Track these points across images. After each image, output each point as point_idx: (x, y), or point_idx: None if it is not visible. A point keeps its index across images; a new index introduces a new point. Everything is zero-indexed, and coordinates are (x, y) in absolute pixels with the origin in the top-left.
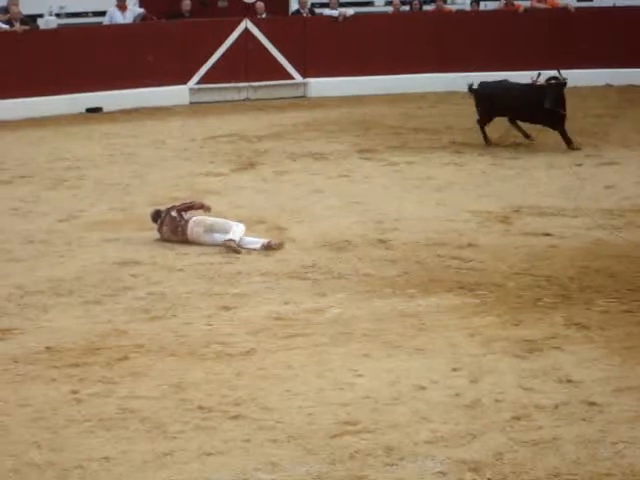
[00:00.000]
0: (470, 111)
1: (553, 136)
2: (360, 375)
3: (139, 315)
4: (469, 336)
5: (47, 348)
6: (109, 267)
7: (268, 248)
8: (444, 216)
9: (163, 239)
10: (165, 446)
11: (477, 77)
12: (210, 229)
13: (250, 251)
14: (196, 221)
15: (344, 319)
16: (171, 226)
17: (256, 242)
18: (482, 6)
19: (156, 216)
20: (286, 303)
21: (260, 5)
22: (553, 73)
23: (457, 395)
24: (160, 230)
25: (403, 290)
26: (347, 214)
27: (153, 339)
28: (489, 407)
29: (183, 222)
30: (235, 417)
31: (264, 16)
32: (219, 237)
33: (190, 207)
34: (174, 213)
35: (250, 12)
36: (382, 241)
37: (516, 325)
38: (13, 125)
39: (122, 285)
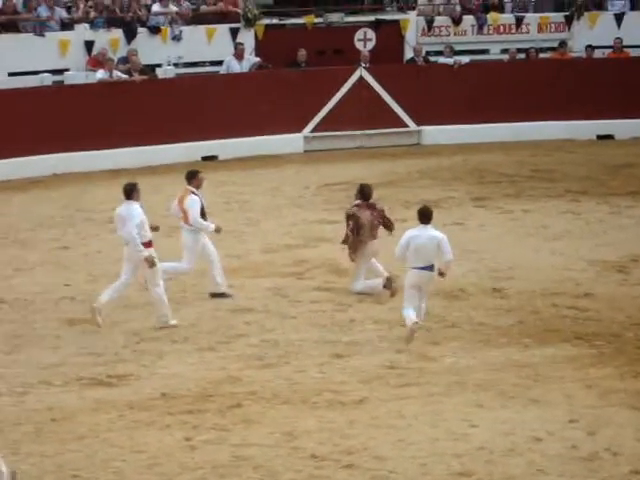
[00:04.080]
0: (586, 159)
1: None
2: (474, 425)
3: (252, 362)
4: (586, 387)
5: (162, 394)
6: (223, 314)
7: (390, 283)
8: (560, 265)
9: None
10: None
11: (594, 125)
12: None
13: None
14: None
15: (458, 368)
16: (374, 220)
17: (377, 283)
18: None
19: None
20: (399, 352)
21: (365, 54)
22: None
23: (574, 447)
24: (360, 210)
25: (518, 340)
26: (461, 262)
27: (266, 386)
28: (607, 460)
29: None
30: (348, 466)
31: (367, 65)
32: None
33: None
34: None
35: (372, 60)
36: (497, 290)
37: (635, 377)
38: (130, 173)
39: (235, 332)
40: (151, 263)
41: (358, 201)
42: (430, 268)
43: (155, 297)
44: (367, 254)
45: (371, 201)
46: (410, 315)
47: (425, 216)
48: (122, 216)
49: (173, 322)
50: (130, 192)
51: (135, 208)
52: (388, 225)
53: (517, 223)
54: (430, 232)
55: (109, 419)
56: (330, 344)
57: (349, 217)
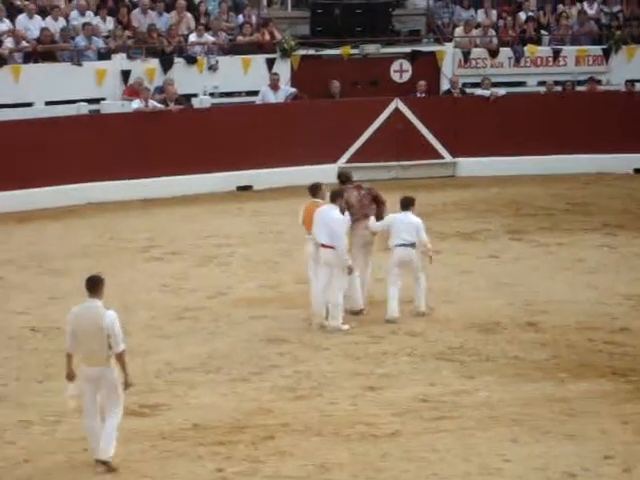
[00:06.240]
0: (623, 193)
1: None
2: (508, 460)
3: (285, 394)
4: (622, 423)
5: (194, 425)
6: (256, 344)
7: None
8: (596, 299)
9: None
10: None
11: (631, 159)
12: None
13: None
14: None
15: (492, 402)
16: (360, 198)
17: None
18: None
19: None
20: (432, 385)
21: (422, 83)
22: None
23: None
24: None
25: (553, 374)
26: (496, 295)
27: (298, 418)
28: None
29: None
30: None
31: (423, 95)
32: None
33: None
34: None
35: (405, 91)
36: (531, 324)
37: None
38: (165, 202)
39: (269, 363)
40: (350, 271)
41: (343, 186)
42: (411, 245)
43: (334, 301)
44: (360, 234)
45: (356, 183)
46: (392, 303)
47: (404, 204)
48: (325, 219)
49: (345, 327)
50: (334, 197)
51: (337, 212)
52: (380, 200)
53: (552, 256)
54: (410, 217)
55: (141, 449)
56: (363, 376)
57: (337, 196)
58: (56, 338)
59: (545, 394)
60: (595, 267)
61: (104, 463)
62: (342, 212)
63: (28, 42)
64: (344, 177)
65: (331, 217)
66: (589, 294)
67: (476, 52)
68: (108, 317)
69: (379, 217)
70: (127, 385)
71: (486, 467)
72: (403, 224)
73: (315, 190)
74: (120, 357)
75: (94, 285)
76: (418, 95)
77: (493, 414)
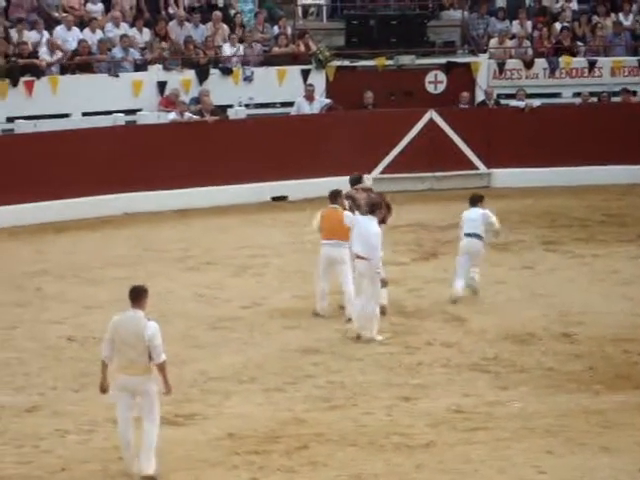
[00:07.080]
0: None
1: None
2: (543, 472)
3: (319, 404)
4: None
5: (229, 434)
6: (290, 355)
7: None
8: (631, 311)
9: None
10: None
11: None
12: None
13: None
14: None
15: (526, 414)
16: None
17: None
18: None
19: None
20: (467, 395)
21: (465, 95)
22: None
23: None
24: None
25: (588, 386)
26: (530, 306)
27: (333, 428)
28: None
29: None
30: None
31: (466, 106)
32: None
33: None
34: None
35: (439, 102)
36: (566, 335)
37: None
38: (200, 213)
39: (303, 373)
40: (385, 284)
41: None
42: (477, 237)
43: (368, 312)
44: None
45: (366, 187)
46: (457, 286)
47: (472, 200)
48: (362, 230)
49: (379, 338)
50: (373, 209)
51: (375, 225)
52: (387, 205)
53: (588, 268)
54: (477, 211)
55: (176, 459)
56: (397, 387)
57: (346, 198)
58: (92, 348)
59: (580, 406)
60: (630, 278)
61: (150, 478)
62: (373, 210)
63: (64, 52)
64: (354, 180)
65: (368, 229)
66: (624, 305)
67: (511, 63)
68: (150, 328)
69: (383, 221)
70: (168, 393)
71: (521, 478)
72: (470, 218)
73: (335, 196)
74: (161, 367)
75: (137, 295)
76: (461, 106)
77: (528, 425)
